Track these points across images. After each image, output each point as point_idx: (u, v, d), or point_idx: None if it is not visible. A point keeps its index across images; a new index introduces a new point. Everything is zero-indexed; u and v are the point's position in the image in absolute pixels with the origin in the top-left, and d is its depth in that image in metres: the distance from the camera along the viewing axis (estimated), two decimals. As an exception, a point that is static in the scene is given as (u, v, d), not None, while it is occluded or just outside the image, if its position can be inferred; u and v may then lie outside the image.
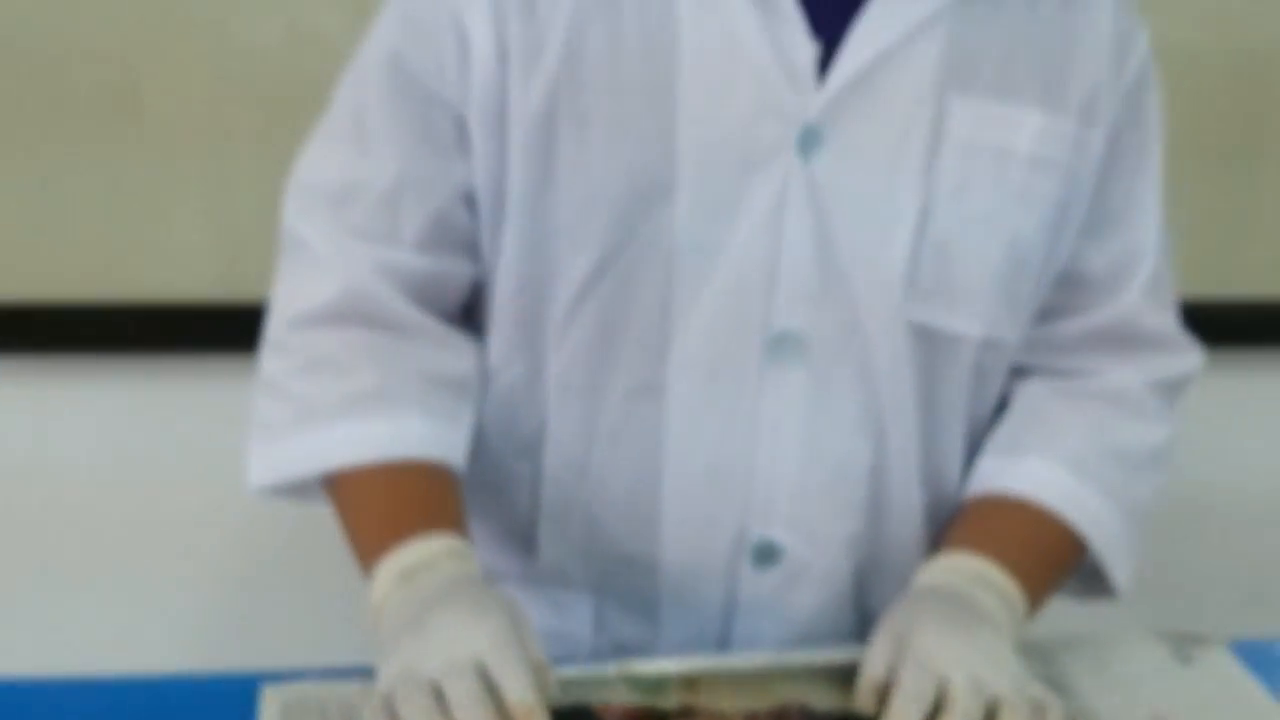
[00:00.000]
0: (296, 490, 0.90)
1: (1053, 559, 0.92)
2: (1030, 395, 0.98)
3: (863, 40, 0.85)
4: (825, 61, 0.85)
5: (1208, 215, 1.66)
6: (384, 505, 0.86)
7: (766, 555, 0.92)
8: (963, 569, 0.87)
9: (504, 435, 0.96)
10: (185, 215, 1.53)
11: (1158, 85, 0.96)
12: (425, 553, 0.80)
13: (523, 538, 0.97)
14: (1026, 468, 0.94)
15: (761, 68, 0.85)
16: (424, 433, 0.88)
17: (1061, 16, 0.90)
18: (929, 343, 0.90)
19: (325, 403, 0.87)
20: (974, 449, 0.97)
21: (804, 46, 0.85)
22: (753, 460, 0.90)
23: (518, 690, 0.70)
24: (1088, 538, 0.92)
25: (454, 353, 0.92)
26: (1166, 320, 0.99)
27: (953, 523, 0.94)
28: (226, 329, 1.49)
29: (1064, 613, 0.97)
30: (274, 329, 0.92)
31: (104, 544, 1.61)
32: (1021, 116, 0.88)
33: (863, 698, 0.78)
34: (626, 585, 0.95)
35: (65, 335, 1.55)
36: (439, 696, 0.69)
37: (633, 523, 0.93)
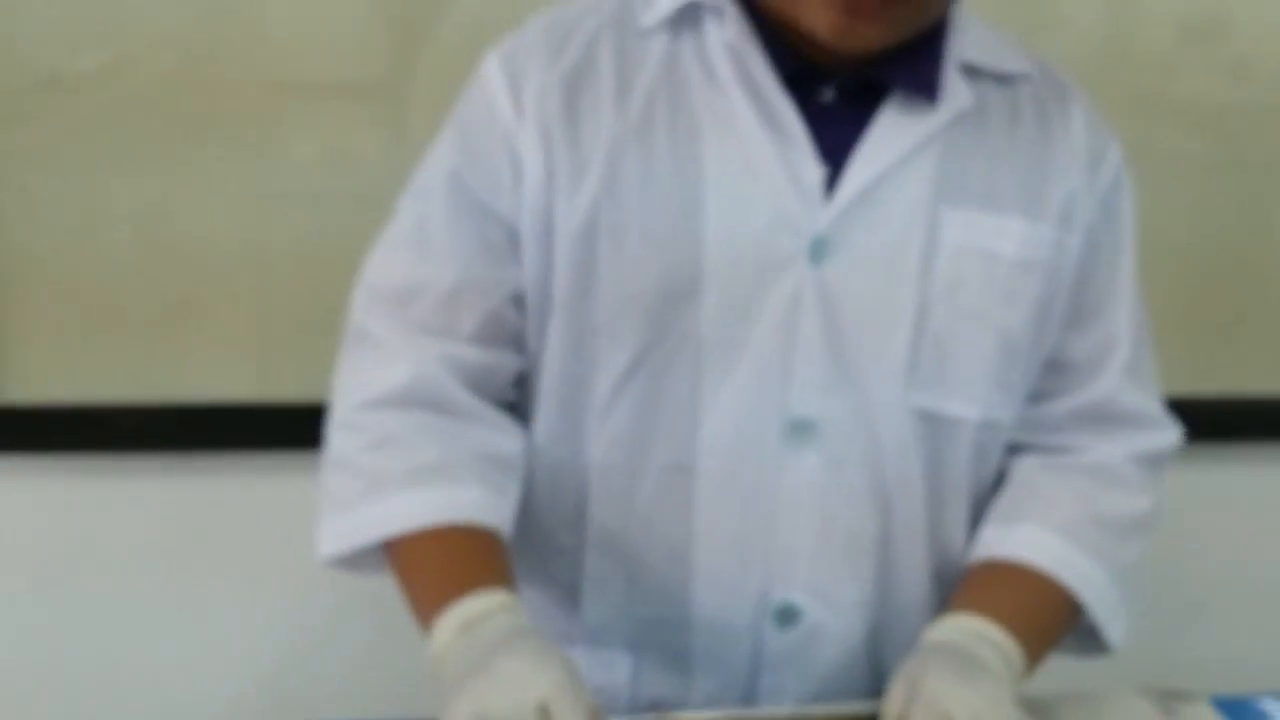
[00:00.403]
0: (360, 561, 0.99)
1: (1048, 617, 1.01)
2: (1024, 470, 1.07)
3: (864, 163, 0.96)
4: (832, 180, 0.96)
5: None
6: (443, 564, 0.95)
7: (788, 616, 1.02)
8: (966, 628, 0.96)
9: (550, 508, 1.05)
10: (223, 325, 1.63)
11: (1131, 189, 1.06)
12: (483, 606, 0.90)
13: (568, 600, 1.06)
14: (1023, 535, 1.03)
15: (776, 187, 0.96)
16: (478, 501, 0.97)
17: (1039, 136, 1.01)
18: (931, 425, 1.00)
19: (391, 475, 0.97)
20: (977, 518, 1.05)
21: (813, 169, 0.96)
22: (774, 531, 1.00)
23: None
24: (1080, 597, 1.01)
25: (504, 434, 1.02)
26: (1145, 399, 1.08)
27: (958, 587, 1.03)
28: (261, 428, 1.64)
29: (1060, 670, 1.05)
30: (342, 411, 1.02)
31: (147, 634, 1.70)
32: (1006, 224, 0.99)
33: None
34: (662, 643, 1.04)
35: (107, 435, 1.64)
36: None
37: (668, 587, 1.02)
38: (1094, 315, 1.05)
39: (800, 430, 0.98)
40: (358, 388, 1.01)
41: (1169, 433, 1.10)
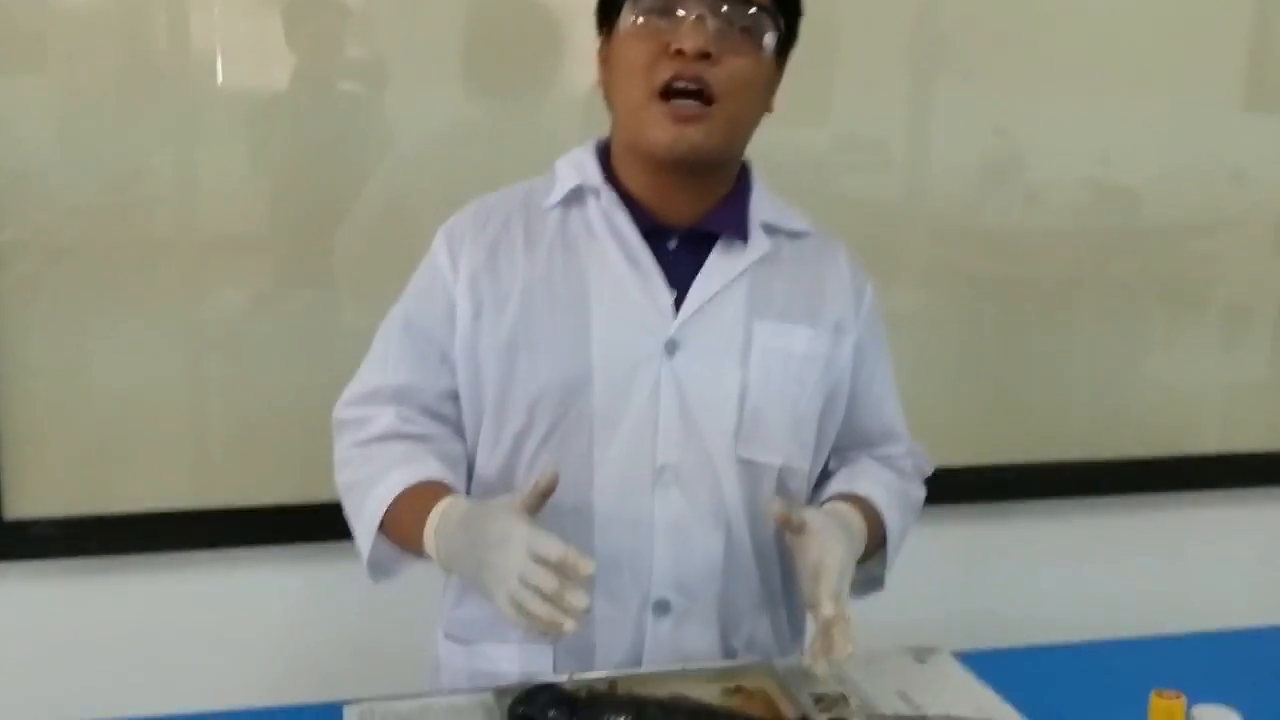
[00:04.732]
0: (385, 564, 1.42)
1: (874, 523, 1.46)
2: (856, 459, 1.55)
3: (700, 289, 1.41)
4: (679, 301, 1.40)
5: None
6: (420, 500, 1.35)
7: (662, 608, 1.41)
8: (843, 509, 1.42)
9: None
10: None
11: (882, 316, 1.54)
12: (447, 507, 1.32)
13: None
14: (863, 486, 1.49)
15: (640, 307, 1.39)
16: (437, 469, 1.40)
17: (816, 272, 1.48)
18: (750, 470, 1.42)
19: (374, 473, 1.40)
20: (782, 534, 1.45)
21: (664, 294, 1.40)
22: (651, 548, 1.40)
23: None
24: (887, 525, 1.47)
25: (452, 443, 1.45)
26: (914, 447, 1.58)
27: (829, 496, 1.49)
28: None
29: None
30: (341, 450, 1.46)
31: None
32: (796, 331, 1.43)
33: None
34: (573, 636, 1.39)
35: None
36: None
37: None
38: (876, 402, 1.54)
39: (664, 474, 1.39)
40: (352, 436, 1.46)
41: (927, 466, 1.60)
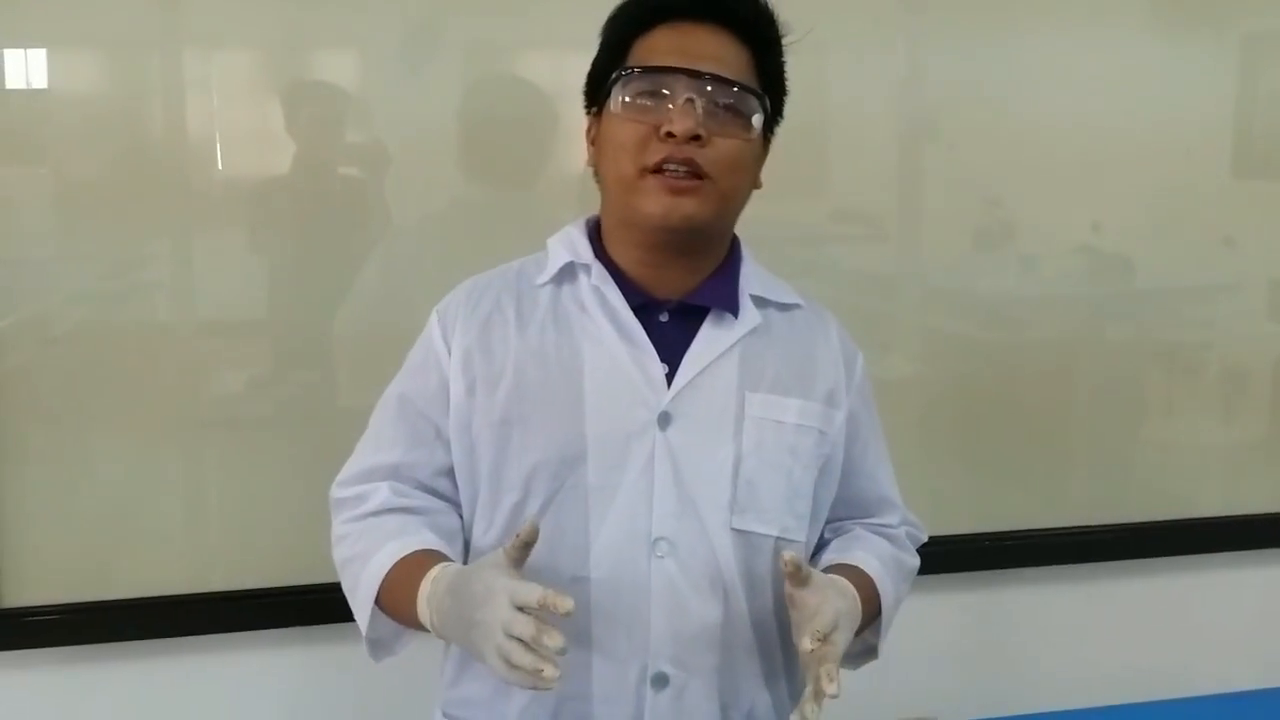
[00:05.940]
0: (386, 639, 1.42)
1: (869, 594, 1.45)
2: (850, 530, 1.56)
3: (691, 362, 1.42)
4: (670, 374, 1.41)
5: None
6: (414, 571, 1.34)
7: (660, 681, 1.40)
8: (839, 580, 1.40)
9: None
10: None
11: (877, 385, 1.55)
12: (435, 580, 1.31)
13: (501, 690, 1.42)
14: (858, 555, 1.49)
15: (633, 380, 1.40)
16: (430, 540, 1.39)
17: (808, 343, 1.49)
18: (746, 541, 1.42)
19: (370, 548, 1.40)
20: (781, 607, 1.45)
21: (657, 367, 1.41)
22: (649, 620, 1.39)
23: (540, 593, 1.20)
24: (881, 592, 1.47)
25: (447, 515, 1.45)
26: (908, 516, 1.58)
27: (824, 567, 1.47)
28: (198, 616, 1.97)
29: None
30: (337, 527, 1.46)
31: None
32: (787, 403, 1.44)
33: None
34: (572, 714, 1.41)
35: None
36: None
37: (574, 670, 1.38)
38: (870, 472, 1.55)
39: (660, 545, 1.39)
40: (350, 512, 1.45)
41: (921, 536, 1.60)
